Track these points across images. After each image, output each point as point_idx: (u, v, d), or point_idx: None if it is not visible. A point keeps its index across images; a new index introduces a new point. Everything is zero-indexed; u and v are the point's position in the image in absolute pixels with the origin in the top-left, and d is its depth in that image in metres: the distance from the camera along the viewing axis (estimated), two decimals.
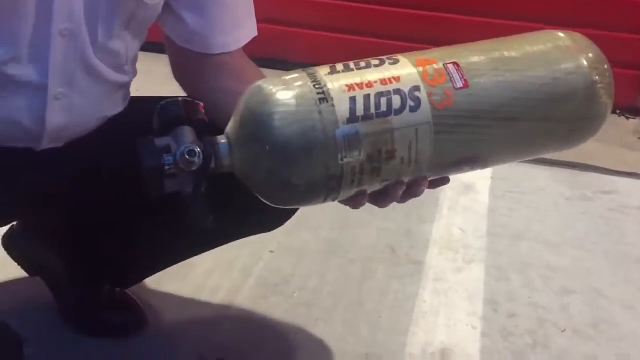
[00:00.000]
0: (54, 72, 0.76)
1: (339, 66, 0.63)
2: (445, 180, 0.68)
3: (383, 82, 0.61)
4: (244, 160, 0.62)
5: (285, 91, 0.60)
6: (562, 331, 1.17)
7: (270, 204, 0.64)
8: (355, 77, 0.61)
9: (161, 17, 0.85)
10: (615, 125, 2.07)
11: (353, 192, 0.63)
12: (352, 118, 0.59)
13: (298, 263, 1.31)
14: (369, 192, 0.64)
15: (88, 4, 0.75)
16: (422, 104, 0.61)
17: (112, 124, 0.88)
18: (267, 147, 0.59)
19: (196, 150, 0.61)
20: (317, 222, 1.42)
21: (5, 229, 1.09)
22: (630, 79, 2.14)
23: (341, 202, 0.65)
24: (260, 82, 0.63)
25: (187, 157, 0.61)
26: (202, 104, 0.66)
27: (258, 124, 0.60)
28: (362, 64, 0.63)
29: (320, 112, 0.59)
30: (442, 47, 0.67)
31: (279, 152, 0.59)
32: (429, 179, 0.65)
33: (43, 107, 0.77)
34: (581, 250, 1.44)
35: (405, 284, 1.27)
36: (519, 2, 2.19)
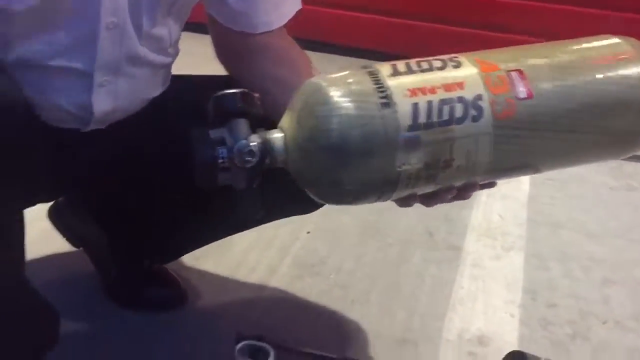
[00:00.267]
0: (100, 63, 0.77)
1: (401, 66, 0.61)
2: (493, 184, 0.68)
3: (446, 88, 0.59)
4: (299, 158, 0.61)
5: (346, 92, 0.58)
6: (604, 323, 1.15)
7: (318, 201, 0.64)
8: (417, 81, 0.59)
9: None
10: None
11: (405, 194, 0.63)
12: (414, 125, 0.58)
13: (335, 244, 1.31)
14: (419, 193, 0.64)
15: None
16: (484, 113, 0.59)
17: (154, 103, 0.88)
18: (325, 149, 0.58)
19: (254, 150, 0.60)
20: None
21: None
22: None
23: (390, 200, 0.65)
24: (319, 80, 0.61)
25: (244, 155, 0.60)
26: (258, 95, 0.64)
27: (317, 125, 0.59)
28: (425, 65, 0.61)
29: (382, 118, 0.57)
30: (503, 49, 0.65)
31: (337, 156, 0.58)
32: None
33: (89, 94, 0.78)
34: (624, 240, 1.41)
35: (442, 269, 1.26)
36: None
